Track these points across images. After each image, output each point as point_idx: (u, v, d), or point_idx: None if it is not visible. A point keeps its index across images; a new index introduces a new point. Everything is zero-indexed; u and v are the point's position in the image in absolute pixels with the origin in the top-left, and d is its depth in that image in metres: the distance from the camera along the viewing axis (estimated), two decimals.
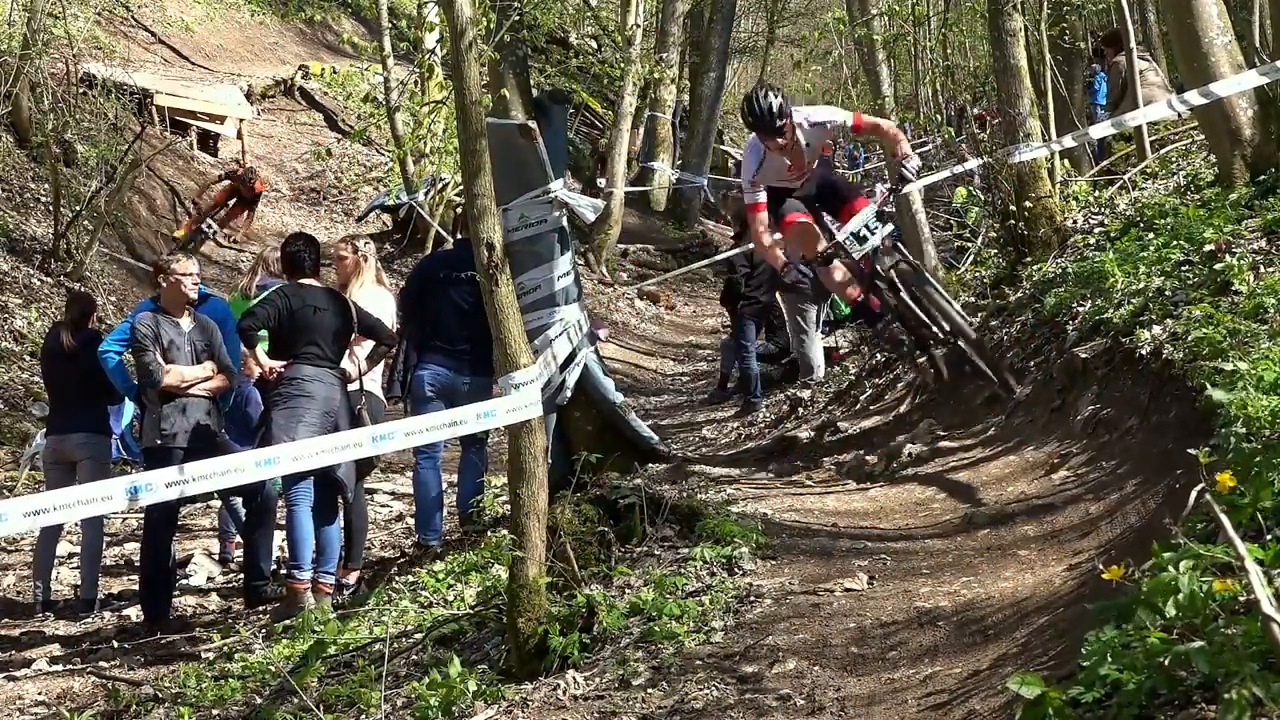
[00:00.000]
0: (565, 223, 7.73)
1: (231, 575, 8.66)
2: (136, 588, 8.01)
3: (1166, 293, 6.27)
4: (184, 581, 8.34)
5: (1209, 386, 4.32)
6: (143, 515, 7.96)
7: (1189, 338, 5.42)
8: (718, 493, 6.54)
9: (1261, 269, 5.86)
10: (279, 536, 8.09)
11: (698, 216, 22.81)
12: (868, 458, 7.34)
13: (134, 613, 7.86)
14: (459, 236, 11.70)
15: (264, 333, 7.55)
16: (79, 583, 8.24)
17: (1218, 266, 6.00)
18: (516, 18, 7.69)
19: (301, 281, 7.69)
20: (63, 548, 8.66)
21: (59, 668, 6.90)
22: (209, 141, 20.24)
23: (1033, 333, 7.76)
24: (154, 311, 7.75)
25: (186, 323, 7.73)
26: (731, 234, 14.73)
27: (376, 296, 8.35)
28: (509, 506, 5.26)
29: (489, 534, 7.27)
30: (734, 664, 4.26)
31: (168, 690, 5.99)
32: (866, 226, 7.19)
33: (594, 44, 27.89)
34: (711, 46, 22.23)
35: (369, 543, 8.45)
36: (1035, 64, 9.75)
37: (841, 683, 4.00)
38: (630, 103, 19.99)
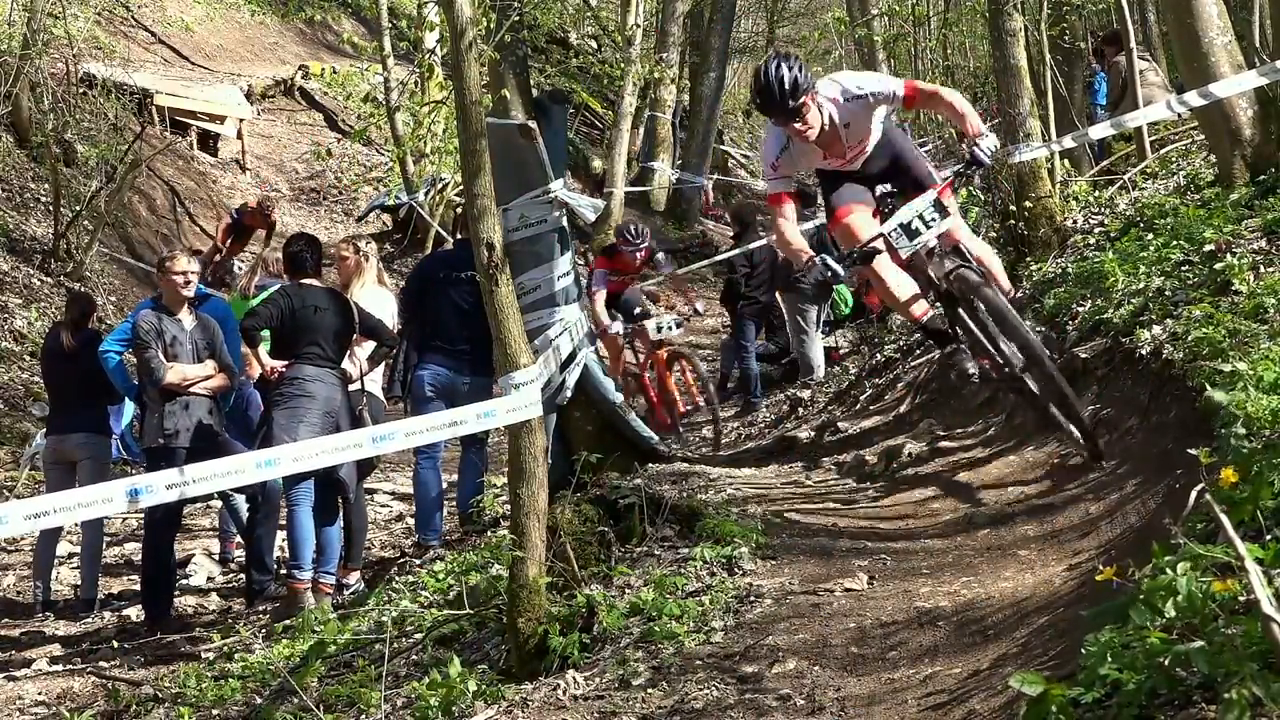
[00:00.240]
0: (565, 223, 7.73)
1: (231, 575, 8.67)
2: (136, 588, 8.02)
3: (1166, 293, 6.27)
4: (184, 581, 8.35)
5: (1209, 387, 4.32)
6: (144, 515, 7.96)
7: (1189, 338, 5.42)
8: (718, 493, 6.54)
9: (1261, 269, 5.86)
10: (279, 536, 8.09)
11: (698, 216, 22.80)
12: (868, 458, 7.34)
13: (134, 613, 7.86)
14: (459, 236, 11.70)
15: (265, 332, 7.55)
16: (79, 583, 8.25)
17: (1218, 266, 6.00)
18: (516, 18, 7.68)
19: (303, 282, 7.69)
20: (63, 548, 8.67)
21: (59, 668, 6.90)
22: (209, 141, 20.24)
23: None
24: (155, 310, 7.75)
25: (188, 321, 7.73)
26: (731, 234, 14.73)
27: (378, 297, 8.35)
28: (509, 506, 5.26)
29: (489, 534, 7.27)
30: (734, 664, 4.26)
31: (168, 690, 5.99)
32: (920, 217, 5.81)
33: (594, 44, 27.88)
34: (711, 46, 22.22)
35: (369, 543, 8.46)
36: (1035, 64, 9.75)
37: (841, 683, 4.00)
38: (630, 103, 19.99)
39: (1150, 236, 7.36)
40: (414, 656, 5.40)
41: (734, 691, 4.04)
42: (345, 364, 7.70)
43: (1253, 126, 7.55)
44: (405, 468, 10.24)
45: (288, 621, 6.78)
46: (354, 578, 7.74)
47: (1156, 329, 5.95)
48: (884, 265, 5.96)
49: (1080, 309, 7.14)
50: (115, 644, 7.15)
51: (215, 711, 5.58)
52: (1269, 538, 2.79)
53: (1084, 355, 6.64)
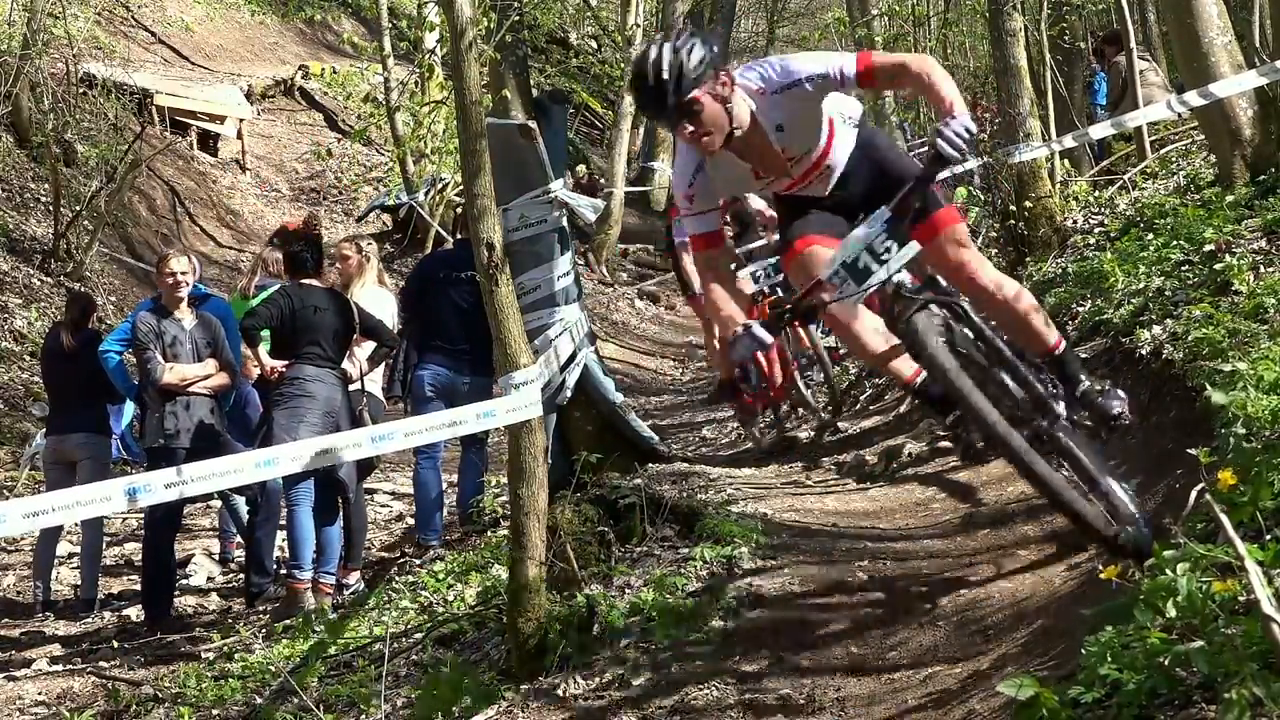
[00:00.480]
0: (565, 223, 7.73)
1: (231, 575, 8.67)
2: (136, 588, 8.02)
3: (1166, 293, 6.27)
4: (184, 581, 8.35)
5: (1208, 387, 4.32)
6: (143, 515, 7.96)
7: (1189, 338, 5.41)
8: (718, 493, 6.54)
9: (1261, 269, 5.86)
10: (279, 536, 8.09)
11: None
12: (868, 458, 7.34)
13: (134, 613, 7.86)
14: (459, 236, 11.70)
15: (265, 332, 7.55)
16: (79, 583, 8.25)
17: (1218, 266, 6.00)
18: (516, 18, 7.70)
19: (303, 282, 7.69)
20: (63, 548, 8.67)
21: (59, 668, 6.90)
22: (209, 141, 20.25)
23: None
24: (154, 310, 7.76)
25: (189, 320, 7.73)
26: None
27: (378, 297, 8.35)
28: (509, 506, 5.26)
29: (489, 534, 7.27)
30: (734, 664, 4.26)
31: (168, 690, 5.99)
32: (869, 250, 4.08)
33: (594, 44, 27.88)
34: None
35: (369, 543, 8.46)
36: (1035, 64, 9.76)
37: (841, 683, 4.00)
38: (630, 103, 19.98)
39: (1150, 236, 7.36)
40: (414, 656, 5.40)
41: (734, 691, 4.04)
42: (345, 364, 7.70)
43: (1253, 126, 7.55)
44: (405, 468, 10.24)
45: (288, 621, 6.78)
46: (354, 578, 7.74)
47: (1156, 329, 5.95)
48: (845, 311, 4.33)
49: (1080, 309, 7.14)
50: (115, 644, 7.15)
51: (215, 711, 5.58)
52: (1269, 538, 2.79)
53: (1084, 355, 6.64)
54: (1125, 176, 10.00)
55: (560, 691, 4.36)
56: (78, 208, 14.38)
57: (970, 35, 17.48)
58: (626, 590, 5.09)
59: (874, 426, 8.21)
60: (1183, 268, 6.48)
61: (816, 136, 4.26)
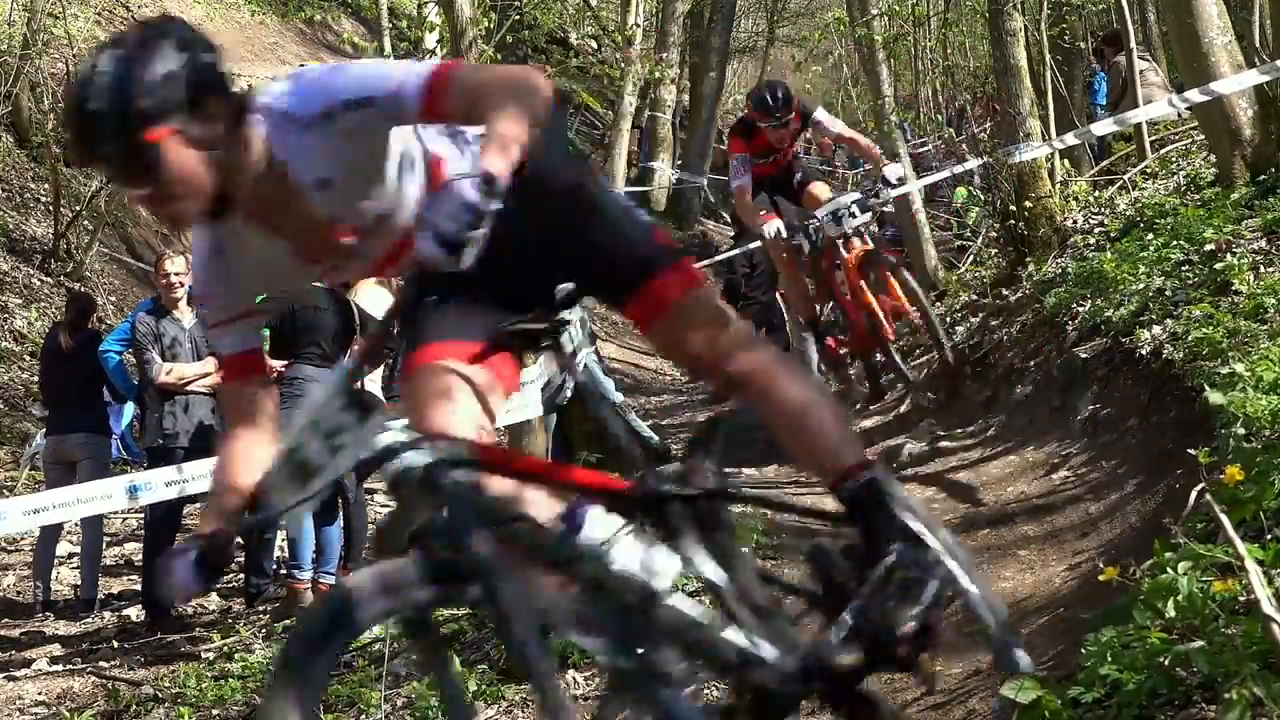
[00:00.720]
0: None
1: (231, 575, 8.66)
2: (136, 588, 8.01)
3: (1166, 293, 6.27)
4: None
5: (1208, 388, 4.32)
6: (144, 514, 7.96)
7: (1189, 338, 5.42)
8: None
9: (1261, 269, 5.86)
10: (279, 536, 8.09)
11: (698, 216, 22.80)
12: None
13: (134, 613, 7.86)
14: None
15: (265, 331, 7.55)
16: (79, 583, 8.24)
17: (1218, 266, 6.00)
18: (517, 18, 7.68)
19: None
20: (63, 548, 8.66)
21: (59, 668, 6.90)
22: None
23: (1033, 333, 7.76)
24: (154, 311, 7.76)
25: (188, 320, 7.73)
26: (731, 234, 14.73)
27: (380, 297, 8.34)
28: None
29: None
30: None
31: (168, 690, 5.99)
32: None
33: (594, 44, 27.88)
34: (711, 46, 22.23)
35: (369, 542, 8.45)
36: (1035, 64, 9.76)
37: None
38: (630, 103, 19.99)
39: (1150, 236, 7.35)
40: (414, 656, 5.39)
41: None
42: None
43: (1253, 126, 7.54)
44: None
45: (288, 621, 6.78)
46: None
47: (1156, 329, 5.95)
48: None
49: (1080, 309, 7.14)
50: (115, 644, 7.15)
51: (215, 711, 5.58)
52: (1269, 538, 2.79)
53: (1084, 355, 6.64)
54: (1125, 176, 10.00)
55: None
56: (78, 208, 14.37)
57: (970, 35, 17.48)
58: None
59: (874, 426, 8.21)
60: (1183, 268, 6.48)
61: (395, 194, 2.70)
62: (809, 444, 2.92)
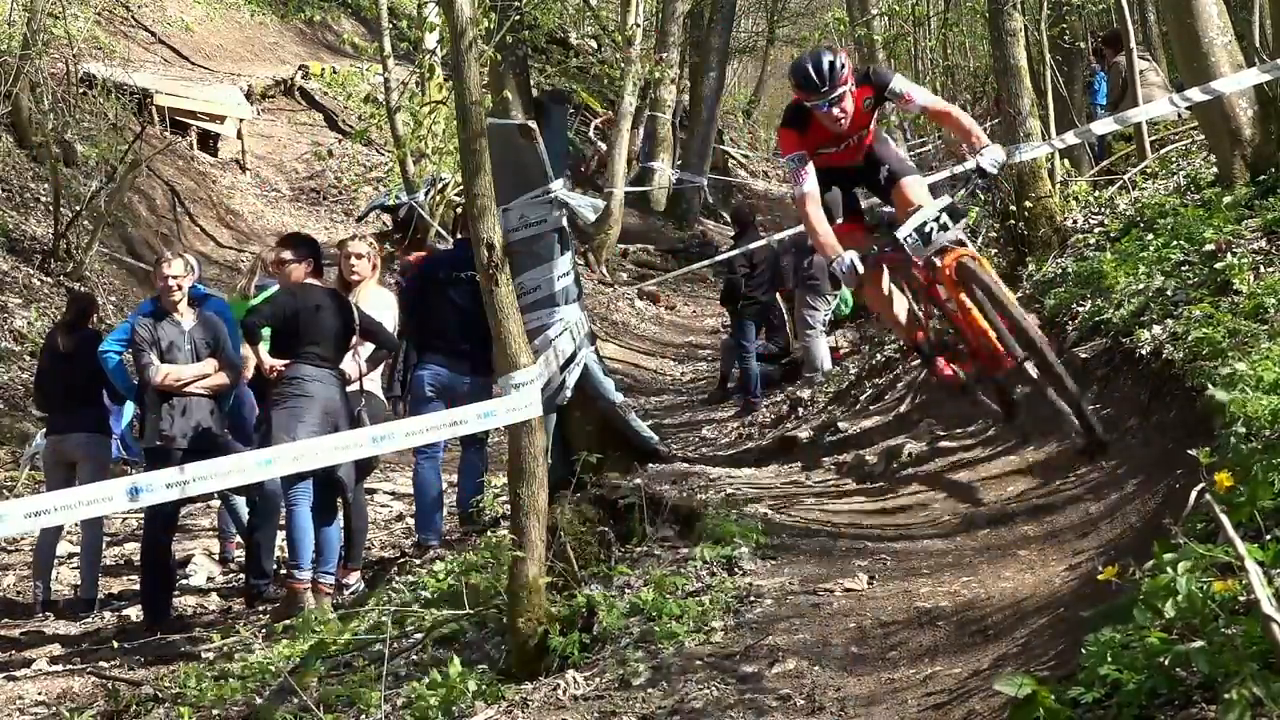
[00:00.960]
0: (565, 223, 7.73)
1: (231, 575, 8.66)
2: (136, 588, 8.01)
3: (1166, 293, 6.27)
4: (184, 581, 8.34)
5: (1211, 386, 4.32)
6: (143, 515, 7.96)
7: (1189, 338, 5.42)
8: (718, 493, 6.54)
9: (1261, 269, 5.86)
10: (279, 536, 8.09)
11: (698, 216, 22.80)
12: (868, 458, 7.34)
13: (134, 613, 7.86)
14: (459, 236, 11.69)
15: (265, 331, 7.55)
16: (79, 583, 8.24)
17: (1218, 266, 6.00)
18: (517, 18, 7.69)
19: (305, 282, 7.70)
20: (63, 548, 8.66)
21: (59, 668, 6.90)
22: (209, 141, 20.24)
23: None
24: (153, 313, 7.76)
25: (188, 322, 7.73)
26: (732, 234, 14.74)
27: (383, 297, 8.34)
28: (509, 506, 5.26)
29: (489, 534, 7.27)
30: (734, 664, 4.26)
31: (168, 690, 5.99)
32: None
33: (594, 44, 27.88)
34: (711, 46, 22.23)
35: (369, 543, 8.45)
36: (1035, 64, 9.75)
37: (841, 683, 4.00)
38: (630, 103, 19.99)
39: (1150, 236, 7.36)
40: (414, 656, 5.40)
41: (734, 691, 4.05)
42: (347, 364, 7.69)
43: (1253, 126, 7.54)
44: (405, 468, 10.23)
45: (288, 622, 6.77)
46: (354, 578, 7.74)
47: (1156, 329, 5.95)
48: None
49: (1080, 309, 7.14)
50: (115, 644, 7.14)
51: (215, 711, 5.58)
52: (1269, 538, 2.79)
53: (1084, 355, 6.64)
54: (1125, 176, 9.99)
55: (560, 691, 4.36)
56: (78, 208, 14.37)
57: (970, 35, 17.49)
58: (626, 590, 5.09)
59: (874, 426, 8.21)
60: (1183, 268, 6.48)
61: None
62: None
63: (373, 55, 16.13)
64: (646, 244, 21.28)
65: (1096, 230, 8.69)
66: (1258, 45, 8.17)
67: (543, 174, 7.57)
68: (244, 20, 24.41)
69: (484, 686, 4.59)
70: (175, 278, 7.69)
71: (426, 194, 16.35)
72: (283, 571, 7.76)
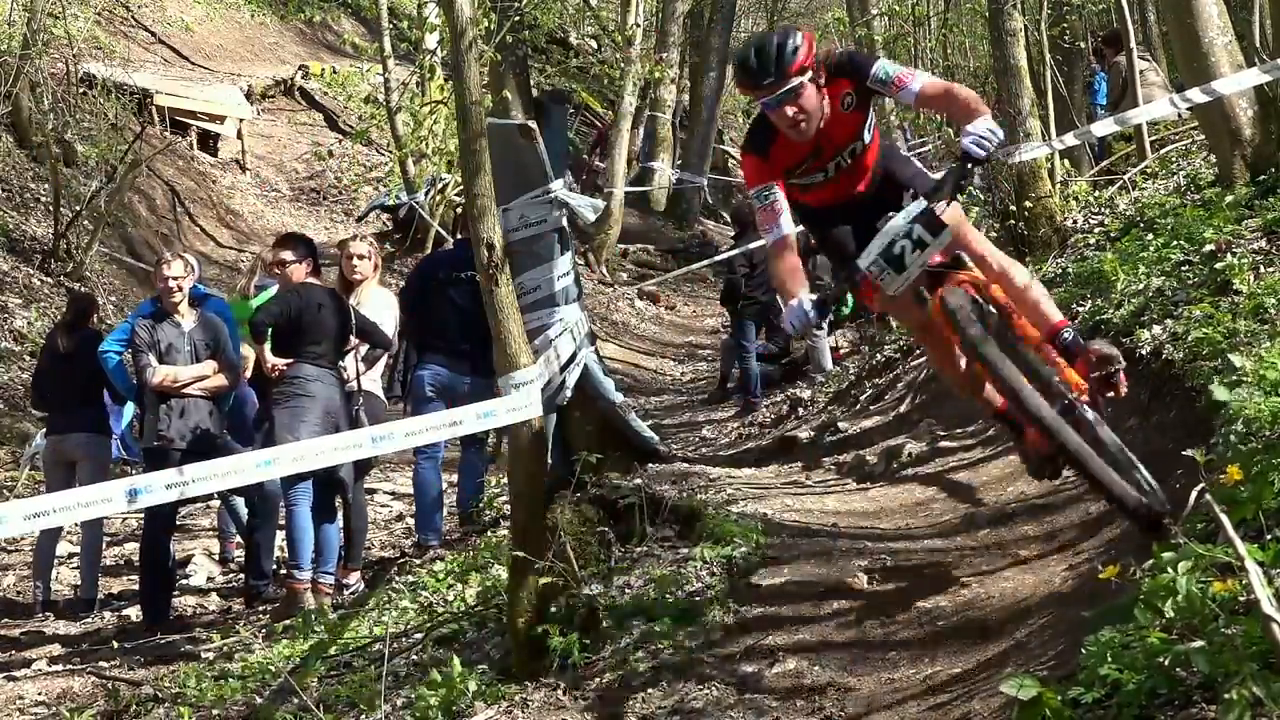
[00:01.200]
0: (565, 223, 7.73)
1: (231, 575, 8.66)
2: (136, 588, 8.01)
3: (1166, 293, 6.27)
4: (184, 581, 8.35)
5: (1213, 384, 4.32)
6: (143, 515, 7.96)
7: (1189, 338, 5.41)
8: (718, 493, 6.54)
9: (1261, 269, 5.86)
10: (279, 536, 8.09)
11: (698, 216, 22.79)
12: (868, 458, 7.34)
13: (134, 613, 7.86)
14: (459, 236, 11.69)
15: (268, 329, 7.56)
16: (79, 583, 8.25)
17: (1218, 266, 6.00)
18: (517, 18, 7.69)
19: (306, 281, 7.70)
20: (63, 548, 8.67)
21: (59, 668, 6.90)
22: (209, 141, 20.24)
23: None
24: (153, 314, 7.76)
25: (188, 323, 7.73)
26: (732, 234, 14.74)
27: (383, 297, 8.34)
28: (509, 506, 5.26)
29: (489, 534, 7.27)
30: (734, 664, 4.26)
31: (168, 690, 5.99)
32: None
33: (594, 44, 27.88)
34: (711, 46, 22.22)
35: (369, 543, 8.45)
36: (1035, 64, 9.75)
37: (841, 683, 4.00)
38: (630, 103, 19.98)
39: (1150, 236, 7.35)
40: (414, 656, 5.40)
41: (734, 691, 4.04)
42: (348, 364, 7.70)
43: (1253, 126, 7.54)
44: (405, 468, 10.23)
45: (288, 622, 6.78)
46: (354, 578, 7.74)
47: (1156, 329, 5.95)
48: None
49: (1080, 309, 7.13)
50: (115, 644, 7.14)
51: (215, 711, 5.58)
52: (1269, 538, 2.79)
53: None
54: (1125, 176, 10.00)
55: (560, 691, 4.36)
56: (78, 208, 14.37)
57: (970, 35, 17.50)
58: (626, 590, 5.09)
59: (874, 426, 8.21)
60: (1183, 268, 6.48)
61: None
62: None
63: (373, 55, 16.13)
64: (646, 244, 21.27)
65: (1096, 230, 8.70)
66: (1258, 45, 8.17)
67: (543, 174, 7.56)
68: (244, 20, 24.40)
69: (484, 686, 4.59)
70: (175, 278, 7.69)
71: (427, 194, 16.35)
72: (282, 571, 7.76)
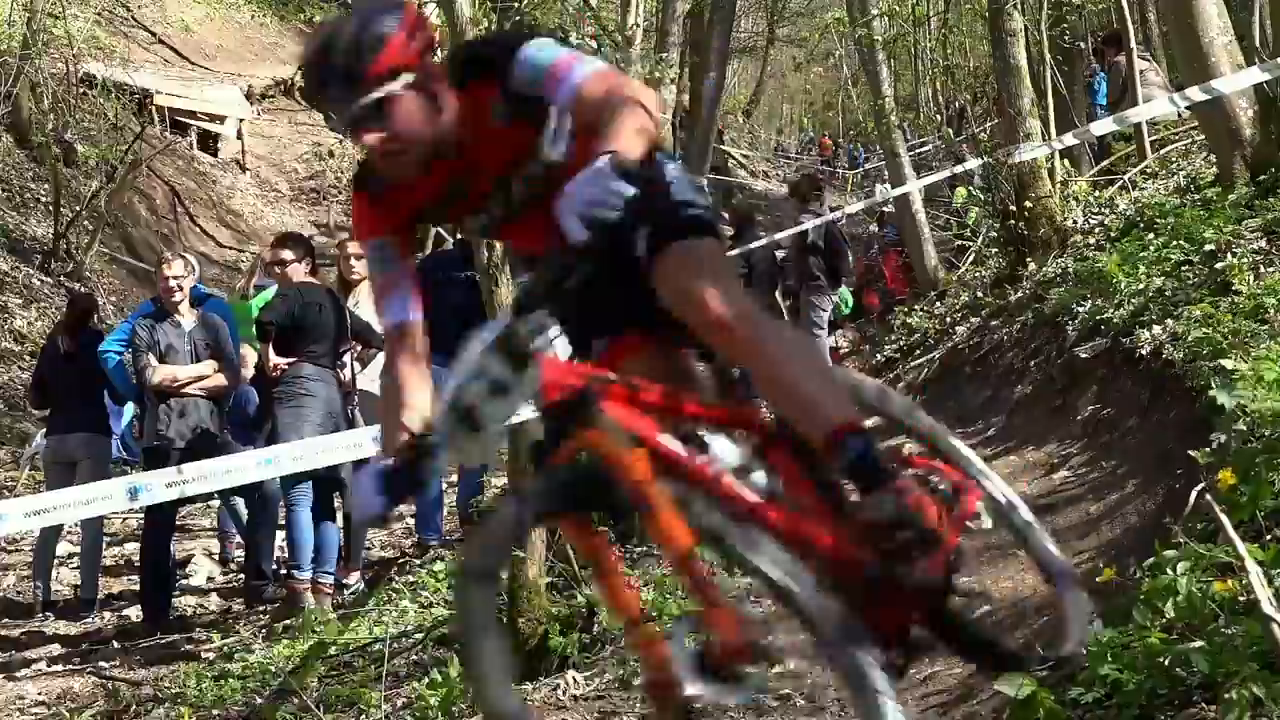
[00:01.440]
0: None
1: (231, 575, 8.67)
2: (136, 588, 8.01)
3: (1166, 293, 6.27)
4: (184, 581, 8.35)
5: (1213, 385, 4.32)
6: (143, 515, 7.97)
7: (1189, 338, 5.41)
8: None
9: (1261, 269, 5.86)
10: (279, 536, 8.09)
11: None
12: None
13: (134, 613, 7.86)
14: (459, 236, 11.69)
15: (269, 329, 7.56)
16: (79, 583, 8.25)
17: (1218, 266, 6.00)
18: (517, 19, 7.69)
19: (305, 281, 7.70)
20: (63, 548, 8.67)
21: (59, 668, 6.90)
22: (209, 141, 20.26)
23: (1033, 333, 7.76)
24: (154, 314, 7.76)
25: (188, 323, 7.72)
26: (730, 234, 14.73)
27: None
28: None
29: None
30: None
31: (168, 690, 5.99)
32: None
33: (594, 44, 27.89)
34: (711, 46, 22.19)
35: (369, 543, 8.45)
36: (1035, 64, 9.75)
37: None
38: None
39: (1151, 236, 7.36)
40: (414, 656, 5.40)
41: None
42: (348, 364, 7.70)
43: (1253, 126, 7.54)
44: None
45: (288, 622, 6.78)
46: (354, 578, 7.74)
47: (1156, 329, 5.95)
48: None
49: (1080, 309, 7.14)
50: (115, 644, 7.15)
51: (215, 711, 5.57)
52: (1269, 538, 2.79)
53: (1084, 355, 6.64)
54: (1125, 176, 10.00)
55: (560, 691, 4.36)
56: (78, 208, 14.38)
57: (970, 35, 17.49)
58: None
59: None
60: (1183, 268, 6.48)
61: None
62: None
63: None
64: None
65: (1097, 230, 8.70)
66: (1258, 45, 8.17)
67: None
68: (244, 20, 24.42)
69: None
70: (176, 278, 7.69)
71: None
72: (282, 572, 7.76)
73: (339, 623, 6.35)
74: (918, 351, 9.53)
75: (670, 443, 2.59)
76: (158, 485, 7.03)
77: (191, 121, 19.89)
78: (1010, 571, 4.86)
